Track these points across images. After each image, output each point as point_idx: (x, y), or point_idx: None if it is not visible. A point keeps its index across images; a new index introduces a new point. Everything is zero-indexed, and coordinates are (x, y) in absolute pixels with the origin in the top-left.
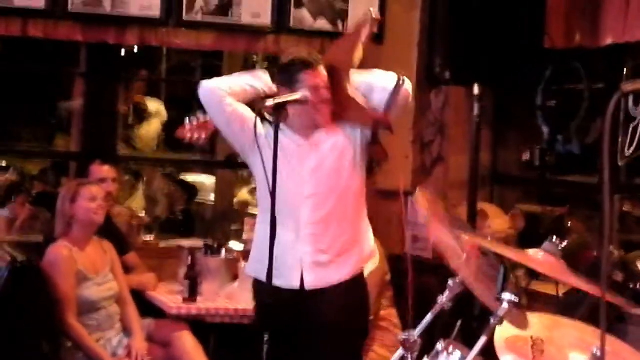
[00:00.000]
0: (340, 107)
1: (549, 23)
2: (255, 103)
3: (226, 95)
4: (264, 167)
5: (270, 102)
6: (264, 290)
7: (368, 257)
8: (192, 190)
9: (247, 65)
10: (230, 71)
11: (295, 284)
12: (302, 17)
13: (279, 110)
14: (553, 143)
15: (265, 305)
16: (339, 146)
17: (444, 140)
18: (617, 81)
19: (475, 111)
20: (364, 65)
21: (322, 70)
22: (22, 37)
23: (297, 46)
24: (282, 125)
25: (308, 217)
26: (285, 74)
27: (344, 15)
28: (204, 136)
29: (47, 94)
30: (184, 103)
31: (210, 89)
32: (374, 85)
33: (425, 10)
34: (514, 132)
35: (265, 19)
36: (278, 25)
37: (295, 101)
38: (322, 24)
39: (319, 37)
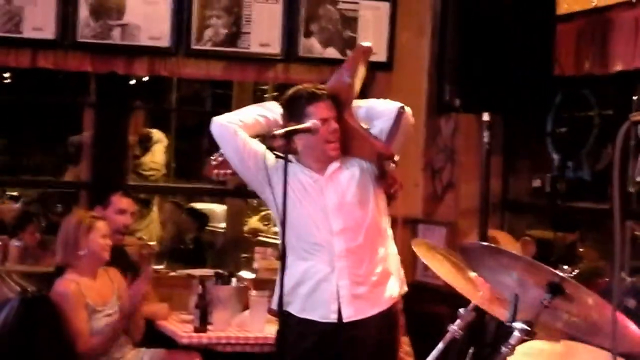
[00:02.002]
0: (344, 139)
1: (558, 50)
2: (265, 138)
3: (238, 129)
4: (282, 201)
5: (280, 131)
6: (293, 323)
7: (401, 286)
8: (202, 218)
9: (257, 95)
10: (240, 100)
11: (333, 317)
12: (312, 45)
13: (289, 139)
14: (563, 169)
15: (295, 338)
16: (356, 177)
17: (454, 167)
18: (627, 107)
19: (486, 138)
20: (374, 91)
21: (329, 102)
22: (32, 68)
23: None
24: (295, 163)
25: (342, 249)
26: (293, 107)
27: (353, 43)
28: (229, 171)
29: (57, 124)
30: (195, 133)
31: (222, 124)
32: (375, 114)
33: (434, 37)
34: (524, 159)
35: (274, 48)
36: (287, 54)
37: (306, 130)
38: (332, 52)
39: (328, 65)
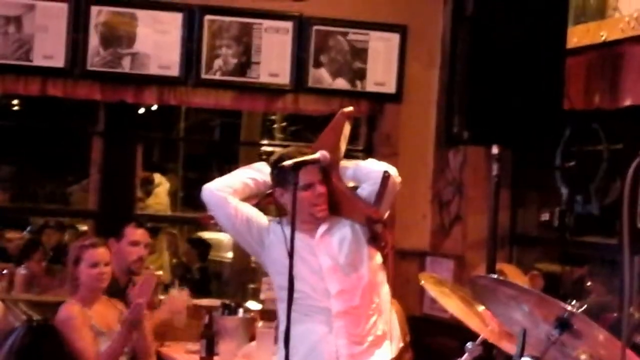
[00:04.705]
0: (332, 201)
1: (568, 84)
2: (254, 199)
3: (228, 196)
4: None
5: (288, 162)
6: None
7: (397, 343)
8: (205, 247)
9: (266, 124)
10: (249, 130)
11: None
12: (321, 76)
13: (297, 171)
14: (572, 204)
15: None
16: (348, 239)
17: (463, 199)
18: (636, 142)
19: (494, 171)
20: (383, 123)
21: (314, 166)
22: (42, 96)
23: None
24: (286, 226)
25: (339, 310)
26: (279, 174)
27: (362, 74)
28: None
29: (65, 153)
30: (203, 162)
31: (212, 192)
32: (362, 177)
33: (444, 69)
34: (532, 192)
35: (283, 78)
36: (297, 84)
37: (314, 161)
38: (341, 83)
39: (337, 96)
